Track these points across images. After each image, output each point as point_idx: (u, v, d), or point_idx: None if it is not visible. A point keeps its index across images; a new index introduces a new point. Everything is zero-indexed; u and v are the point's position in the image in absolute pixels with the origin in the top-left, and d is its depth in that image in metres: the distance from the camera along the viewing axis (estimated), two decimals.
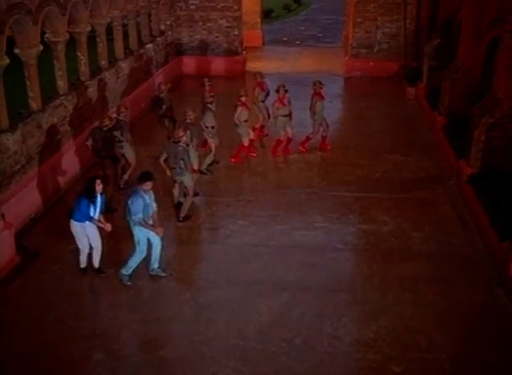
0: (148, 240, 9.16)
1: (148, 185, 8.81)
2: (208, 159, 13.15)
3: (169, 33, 20.75)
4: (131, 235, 9.13)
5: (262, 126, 15.09)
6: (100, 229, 9.24)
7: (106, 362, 7.73)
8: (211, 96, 13.30)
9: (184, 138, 10.88)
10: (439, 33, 17.40)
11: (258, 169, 13.65)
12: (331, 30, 30.08)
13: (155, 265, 9.42)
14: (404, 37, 20.64)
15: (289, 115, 13.82)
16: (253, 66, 22.63)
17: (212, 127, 12.95)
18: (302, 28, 31.12)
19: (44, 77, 12.26)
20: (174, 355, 7.81)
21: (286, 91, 13.69)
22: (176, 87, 17.95)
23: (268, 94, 14.88)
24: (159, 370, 7.63)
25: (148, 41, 18.69)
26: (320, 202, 11.95)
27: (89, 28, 13.69)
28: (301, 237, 10.65)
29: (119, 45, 16.14)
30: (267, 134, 15.11)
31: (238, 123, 13.27)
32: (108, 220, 9.44)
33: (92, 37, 14.25)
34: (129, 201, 8.78)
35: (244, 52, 22.39)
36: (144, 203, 8.74)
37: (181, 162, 10.74)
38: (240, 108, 13.21)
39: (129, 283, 9.22)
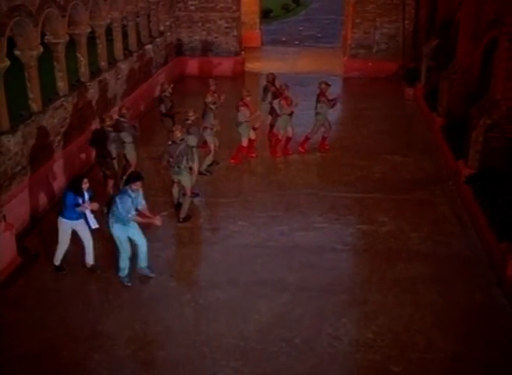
0: (132, 241, 9.23)
1: (137, 185, 8.90)
2: (208, 160, 13.20)
3: (169, 33, 20.80)
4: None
5: (272, 126, 15.11)
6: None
7: (107, 362, 7.76)
8: (213, 96, 13.35)
9: (180, 135, 10.88)
10: (438, 34, 17.46)
11: (258, 170, 13.70)
12: (330, 30, 30.12)
13: (143, 264, 9.45)
14: (403, 38, 20.69)
15: (291, 114, 13.91)
16: (252, 66, 22.71)
17: (211, 128, 13.00)
18: (301, 28, 31.17)
19: (45, 78, 12.30)
20: (175, 356, 7.85)
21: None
22: (175, 88, 17.94)
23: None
24: (160, 371, 7.67)
25: (148, 41, 18.74)
26: (319, 203, 12.01)
27: (89, 29, 13.73)
28: (301, 238, 10.71)
29: (118, 46, 16.18)
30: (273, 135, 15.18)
31: (242, 122, 13.37)
32: None
33: (92, 38, 14.29)
34: (118, 201, 8.86)
35: (243, 53, 22.44)
36: (132, 201, 8.85)
37: (183, 159, 10.77)
38: (242, 109, 13.30)
39: (129, 284, 9.27)
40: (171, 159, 10.81)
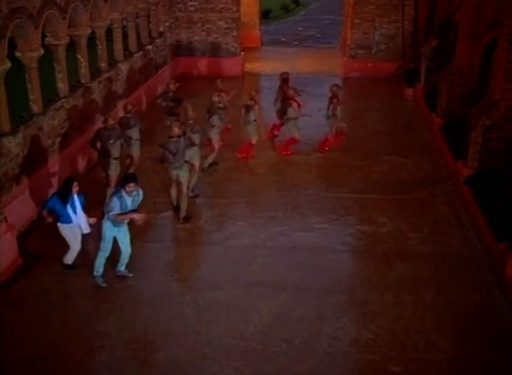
0: (119, 245, 9.26)
1: (131, 187, 8.85)
2: (210, 158, 13.22)
3: (168, 34, 20.83)
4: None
5: (278, 126, 15.16)
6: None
7: (108, 362, 7.79)
8: (220, 96, 13.40)
9: (178, 131, 10.91)
10: (437, 34, 17.49)
11: (258, 171, 13.73)
12: (329, 30, 30.12)
13: (121, 268, 9.47)
14: (402, 39, 20.72)
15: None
16: (251, 66, 22.73)
17: (219, 126, 13.08)
18: (300, 29, 31.18)
19: (45, 80, 12.33)
20: (175, 356, 7.89)
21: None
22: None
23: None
24: (161, 371, 7.70)
25: (148, 42, 18.77)
26: (319, 204, 12.04)
27: (89, 31, 13.76)
28: (301, 239, 10.74)
29: (118, 47, 16.21)
30: (277, 135, 15.23)
31: (251, 121, 13.52)
32: None
33: (92, 39, 14.32)
34: (111, 198, 8.96)
35: (243, 53, 22.47)
36: (120, 204, 8.81)
37: (183, 155, 10.79)
38: (251, 104, 13.48)
39: (104, 285, 9.26)
40: (171, 156, 10.84)
